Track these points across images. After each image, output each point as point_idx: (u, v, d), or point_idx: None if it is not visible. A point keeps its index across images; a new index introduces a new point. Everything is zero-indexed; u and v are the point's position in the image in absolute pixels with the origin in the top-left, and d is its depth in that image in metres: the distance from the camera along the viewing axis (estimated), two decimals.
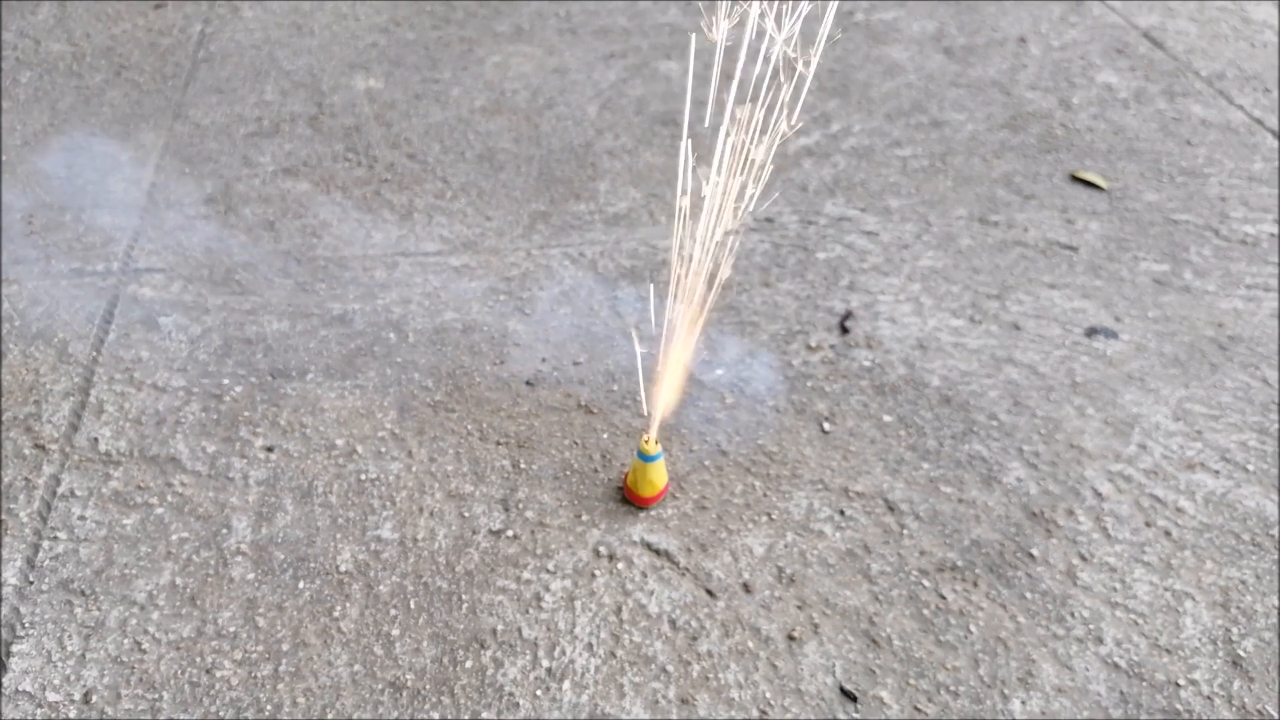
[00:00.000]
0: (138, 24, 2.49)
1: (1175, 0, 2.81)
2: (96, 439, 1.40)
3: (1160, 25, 2.68)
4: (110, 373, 1.51)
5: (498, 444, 1.43)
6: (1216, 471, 1.43)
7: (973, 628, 1.22)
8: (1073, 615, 1.24)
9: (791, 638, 1.20)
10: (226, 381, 1.50)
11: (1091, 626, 1.22)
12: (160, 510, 1.31)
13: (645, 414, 1.30)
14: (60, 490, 1.33)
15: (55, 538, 1.27)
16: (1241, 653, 1.20)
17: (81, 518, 1.30)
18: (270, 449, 1.40)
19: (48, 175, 1.93)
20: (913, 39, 2.57)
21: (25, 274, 1.69)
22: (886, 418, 1.50)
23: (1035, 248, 1.85)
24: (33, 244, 1.76)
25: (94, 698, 1.10)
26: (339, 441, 1.42)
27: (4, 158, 1.97)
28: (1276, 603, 1.26)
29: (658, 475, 1.32)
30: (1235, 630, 1.23)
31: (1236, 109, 2.31)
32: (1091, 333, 1.67)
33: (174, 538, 1.27)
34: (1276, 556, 1.32)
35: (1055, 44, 2.57)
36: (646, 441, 1.29)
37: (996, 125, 2.22)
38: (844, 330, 1.65)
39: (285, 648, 1.16)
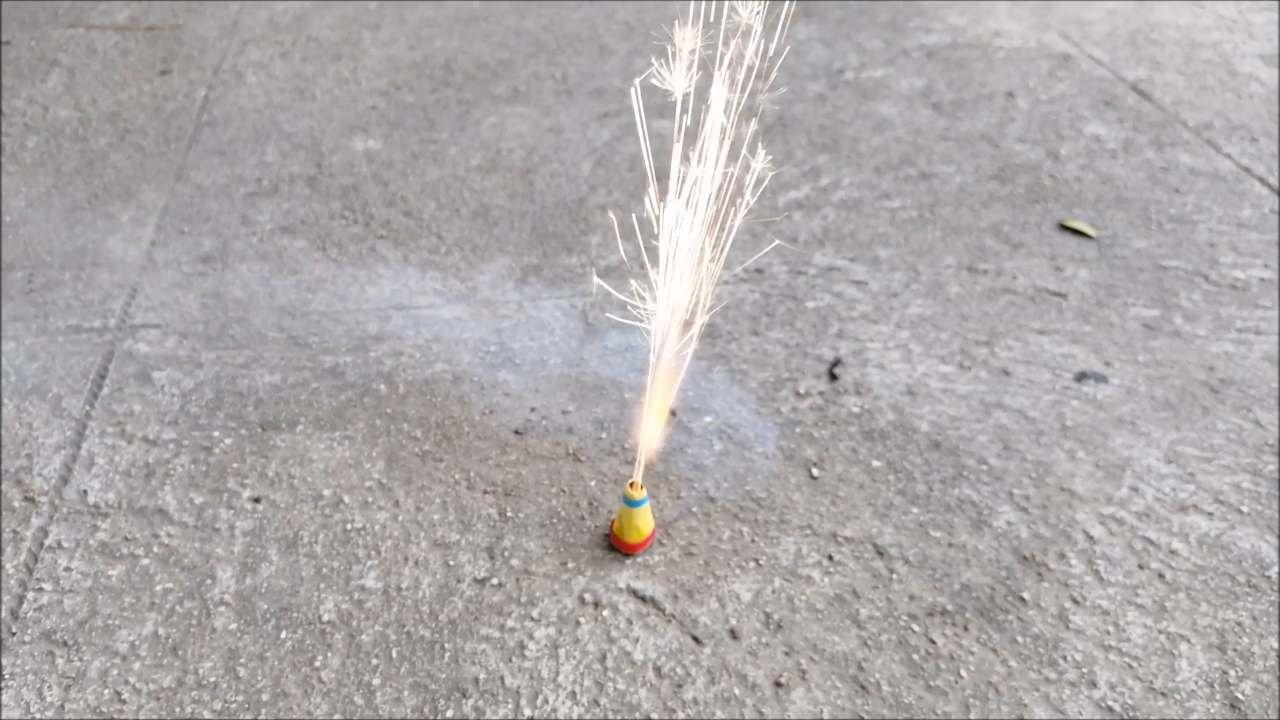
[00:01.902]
0: (143, 90, 2.55)
1: (1163, 54, 2.86)
2: (86, 491, 1.41)
3: (1148, 78, 2.72)
4: (102, 426, 1.52)
5: (485, 492, 1.43)
6: (1210, 514, 1.42)
7: (963, 672, 1.20)
8: (1065, 659, 1.22)
9: (779, 684, 1.18)
10: (217, 434, 1.51)
11: (1084, 670, 1.20)
12: (146, 561, 1.31)
13: (632, 459, 1.30)
14: (48, 542, 1.33)
15: (40, 589, 1.27)
16: (1240, 695, 1.18)
17: (67, 569, 1.30)
18: (257, 500, 1.40)
19: (49, 235, 1.97)
20: (901, 95, 2.61)
21: (23, 331, 1.71)
22: (875, 463, 1.49)
23: (1024, 295, 1.86)
24: (31, 302, 1.78)
25: None
26: (326, 492, 1.42)
27: (7, 219, 2.01)
28: (1275, 645, 1.24)
29: (644, 521, 1.32)
30: (1233, 673, 1.21)
31: (1225, 158, 2.33)
32: (1081, 377, 1.67)
33: (158, 588, 1.27)
34: (1273, 598, 1.30)
35: (1043, 98, 2.61)
36: (632, 486, 1.29)
37: (985, 177, 2.25)
38: (833, 377, 1.65)
39: (265, 698, 1.15)
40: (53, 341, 1.69)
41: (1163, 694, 1.18)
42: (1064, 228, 2.08)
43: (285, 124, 2.42)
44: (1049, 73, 2.75)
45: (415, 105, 2.52)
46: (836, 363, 1.68)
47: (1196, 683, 1.19)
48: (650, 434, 1.30)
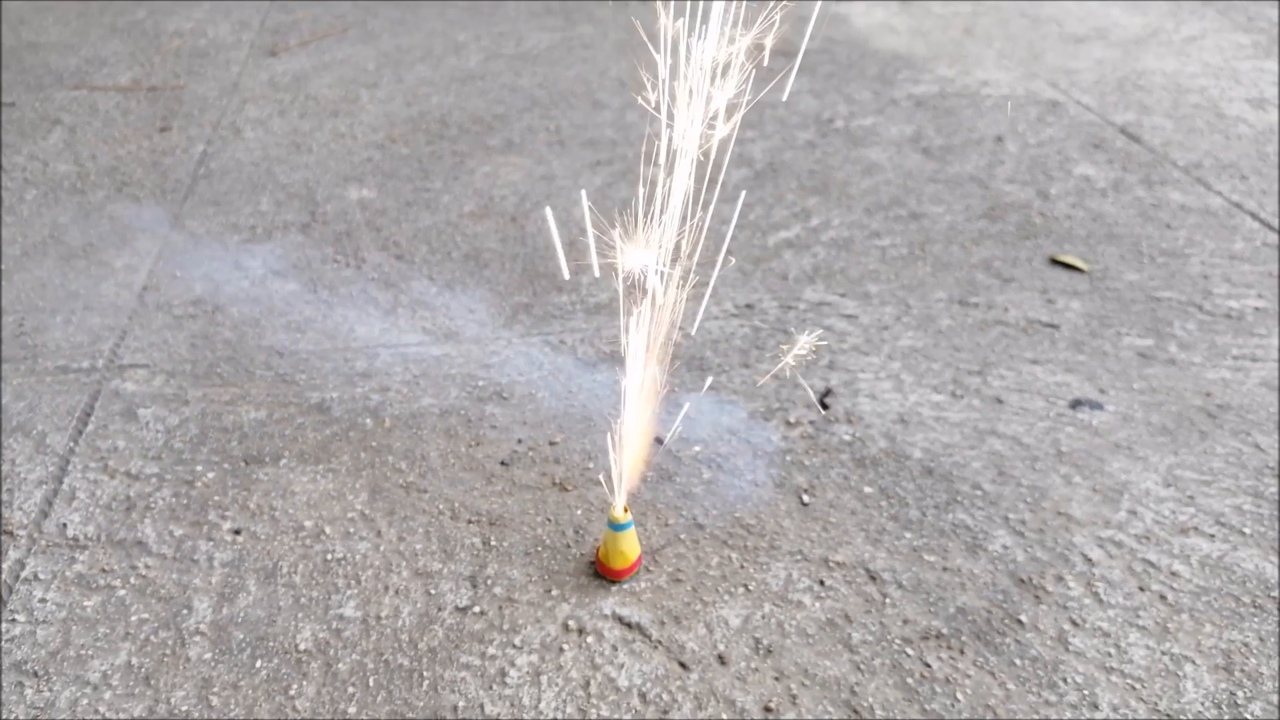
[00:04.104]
0: (142, 146, 2.59)
1: (1151, 99, 2.89)
2: (65, 524, 1.39)
3: (1136, 121, 2.74)
4: (85, 461, 1.51)
5: (469, 522, 1.40)
6: (1211, 535, 1.39)
7: (960, 696, 1.16)
8: (1065, 681, 1.18)
9: (768, 709, 1.14)
10: (200, 468, 1.50)
11: (1085, 692, 1.16)
12: (122, 592, 1.28)
13: (615, 483, 1.28)
14: (24, 574, 1.31)
15: (14, 620, 1.24)
16: (1249, 716, 1.14)
17: (42, 600, 1.27)
18: (238, 531, 1.38)
19: (43, 282, 1.98)
20: (891, 141, 2.63)
21: (11, 372, 1.71)
22: (867, 489, 1.47)
23: (1016, 326, 1.85)
24: (21, 344, 1.78)
25: None
26: (307, 523, 1.40)
27: (2, 267, 2.03)
28: None
29: (629, 546, 1.29)
30: (1241, 694, 1.16)
31: (1215, 194, 2.34)
32: (1076, 405, 1.65)
33: (134, 619, 1.24)
34: (1279, 618, 1.26)
35: (1032, 141, 2.63)
36: (615, 509, 1.26)
37: (975, 216, 2.26)
38: (824, 407, 1.63)
39: None
40: (40, 381, 1.69)
41: (1168, 715, 1.14)
42: (1055, 262, 2.07)
43: (281, 176, 2.44)
44: (1037, 118, 2.78)
45: (410, 157, 2.55)
46: (827, 393, 1.66)
47: (1203, 704, 1.15)
48: (633, 457, 1.28)
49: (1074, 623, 1.25)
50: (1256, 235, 2.17)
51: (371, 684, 1.17)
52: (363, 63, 3.23)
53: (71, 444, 1.54)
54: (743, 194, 1.34)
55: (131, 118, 2.76)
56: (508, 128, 2.73)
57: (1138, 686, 1.17)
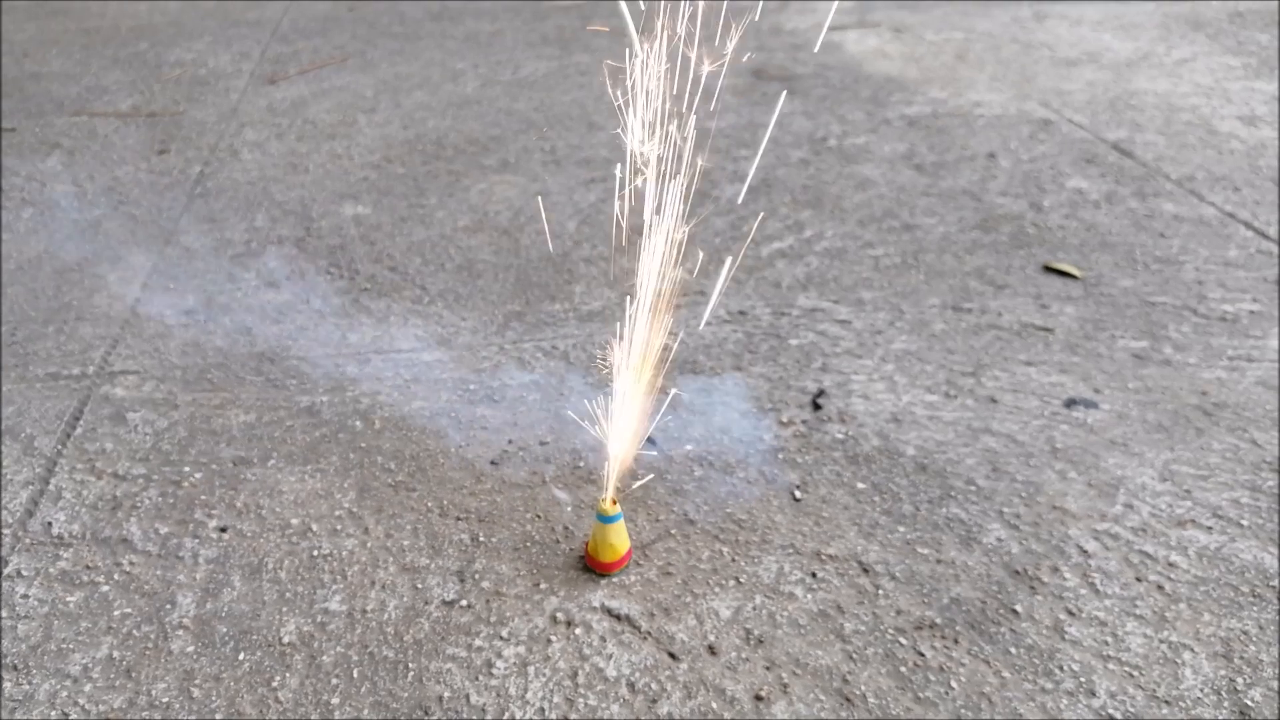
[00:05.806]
0: (140, 167, 2.61)
1: (1143, 118, 2.91)
2: (50, 523, 1.38)
3: (1129, 138, 2.76)
4: (73, 463, 1.50)
5: (458, 519, 1.39)
6: (1209, 528, 1.37)
7: (954, 684, 1.14)
8: (1061, 669, 1.15)
9: (759, 698, 1.12)
10: (187, 469, 1.49)
11: (1082, 680, 1.14)
12: (106, 588, 1.27)
13: (604, 472, 1.27)
14: (7, 571, 1.29)
15: None
16: (1249, 702, 1.12)
17: (25, 596, 1.25)
18: (224, 529, 1.37)
19: (36, 294, 1.98)
20: (884, 158, 2.65)
21: (2, 379, 1.70)
22: (860, 485, 1.45)
23: (1010, 330, 1.85)
24: (12, 353, 1.78)
25: None
26: (294, 521, 1.38)
27: None
28: None
29: (618, 538, 1.27)
30: (1240, 680, 1.14)
31: (1208, 205, 2.34)
32: (1071, 403, 1.64)
33: (116, 613, 1.23)
34: (1279, 607, 1.24)
35: (1025, 157, 2.64)
36: (604, 501, 1.25)
37: (968, 227, 2.26)
38: (816, 407, 1.62)
39: (219, 718, 1.09)
40: (30, 388, 1.68)
41: (1166, 702, 1.11)
42: (1049, 269, 2.07)
43: (277, 194, 2.46)
44: (1030, 136, 2.79)
45: (406, 176, 2.57)
46: (820, 393, 1.65)
47: (1202, 690, 1.13)
48: (622, 448, 1.27)
49: (1070, 612, 1.23)
50: (1251, 243, 2.17)
51: (355, 675, 1.15)
52: (361, 90, 3.27)
53: (59, 446, 1.54)
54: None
55: (130, 141, 2.79)
56: (503, 148, 2.75)
57: (1135, 674, 1.15)
